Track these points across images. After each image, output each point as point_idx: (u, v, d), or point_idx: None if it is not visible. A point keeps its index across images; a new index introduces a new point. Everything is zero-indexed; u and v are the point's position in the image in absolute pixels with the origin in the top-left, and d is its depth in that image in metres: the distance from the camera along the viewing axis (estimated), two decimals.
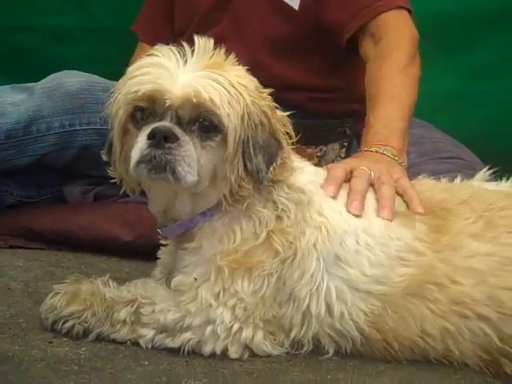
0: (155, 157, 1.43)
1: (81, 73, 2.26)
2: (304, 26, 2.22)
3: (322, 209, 1.52)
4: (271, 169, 1.49)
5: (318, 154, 2.27)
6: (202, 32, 2.21)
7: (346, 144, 2.31)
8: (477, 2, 2.78)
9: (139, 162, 1.44)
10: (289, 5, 2.21)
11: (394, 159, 1.73)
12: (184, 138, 1.44)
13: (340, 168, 1.62)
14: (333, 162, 2.24)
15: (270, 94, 1.54)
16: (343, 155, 2.31)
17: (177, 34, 2.34)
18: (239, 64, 1.52)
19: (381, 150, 1.74)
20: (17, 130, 2.16)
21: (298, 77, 2.25)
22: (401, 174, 1.67)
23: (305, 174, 1.57)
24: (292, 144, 1.54)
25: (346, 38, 2.14)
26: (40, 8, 2.78)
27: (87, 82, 2.22)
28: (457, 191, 1.62)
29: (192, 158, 1.44)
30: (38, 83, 2.23)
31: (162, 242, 1.65)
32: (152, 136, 1.43)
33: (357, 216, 1.52)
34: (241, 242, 1.49)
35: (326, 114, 2.30)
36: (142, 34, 2.49)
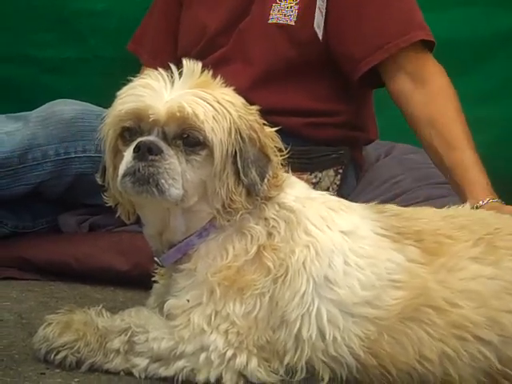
0: (139, 169, 1.44)
1: (75, 101, 2.28)
2: (313, 54, 2.24)
3: (309, 228, 1.52)
4: (265, 181, 1.50)
5: (313, 181, 2.28)
6: (206, 54, 2.26)
7: (340, 171, 2.31)
8: (473, 27, 2.81)
9: (124, 175, 1.46)
10: (300, 32, 2.22)
11: None
12: (168, 151, 1.45)
13: None
14: (328, 189, 2.24)
15: (266, 119, 1.56)
16: (338, 182, 2.31)
17: (180, 56, 2.36)
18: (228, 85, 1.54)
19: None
20: (12, 158, 2.16)
21: (299, 102, 2.27)
22: None
23: (293, 188, 1.58)
24: (282, 157, 1.55)
25: (363, 71, 2.17)
26: (34, 40, 2.81)
27: (82, 110, 2.24)
28: (457, 217, 1.61)
29: (176, 171, 1.45)
30: (33, 112, 2.25)
31: (154, 278, 1.64)
32: (137, 149, 1.45)
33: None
34: (233, 258, 1.49)
35: (322, 141, 2.31)
36: (146, 58, 2.50)
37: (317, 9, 2.21)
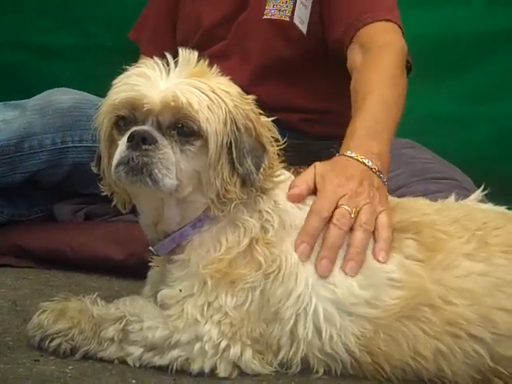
0: (133, 159, 1.44)
1: (73, 90, 2.28)
2: (308, 50, 2.22)
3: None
4: (261, 170, 1.50)
5: None
6: (203, 47, 2.25)
7: None
8: (472, 24, 2.81)
9: (118, 165, 1.46)
10: (295, 29, 2.20)
11: (376, 174, 1.61)
12: (162, 141, 1.45)
13: (320, 213, 1.49)
14: None
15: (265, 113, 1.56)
16: None
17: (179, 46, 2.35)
18: (223, 75, 1.54)
19: (365, 160, 1.61)
20: (8, 146, 2.16)
21: (295, 98, 2.25)
22: (383, 205, 1.56)
23: (288, 187, 1.57)
24: (278, 147, 1.55)
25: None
26: (34, 26, 2.80)
27: (79, 99, 2.23)
28: (450, 211, 1.61)
29: (170, 161, 1.44)
30: (30, 100, 2.24)
31: (151, 263, 1.65)
32: (131, 139, 1.44)
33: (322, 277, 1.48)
34: (225, 250, 1.49)
35: (319, 136, 2.30)
36: (145, 46, 2.49)
37: (298, 2, 2.19)
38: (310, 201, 1.56)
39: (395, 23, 2.07)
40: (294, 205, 1.54)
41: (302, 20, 2.19)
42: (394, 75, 1.89)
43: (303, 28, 2.19)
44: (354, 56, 2.03)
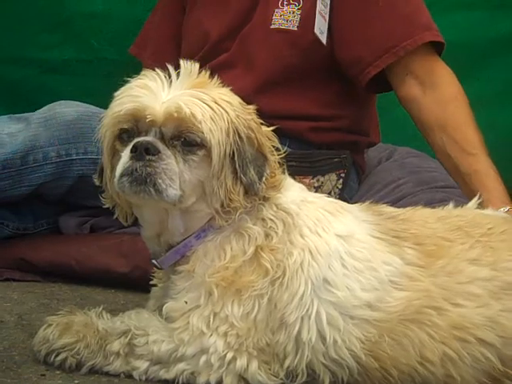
0: (136, 169, 1.45)
1: (77, 103, 2.29)
2: (316, 59, 2.23)
3: (303, 231, 1.52)
4: (263, 179, 1.51)
5: (316, 185, 2.27)
6: (210, 59, 2.26)
7: (343, 175, 2.31)
8: (476, 31, 2.81)
9: (122, 176, 1.46)
10: (302, 38, 2.21)
11: None
12: (165, 151, 1.46)
13: None
14: (330, 192, 2.24)
15: (269, 123, 1.56)
16: (340, 186, 2.31)
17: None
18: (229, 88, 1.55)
19: None
20: (14, 160, 2.17)
21: (301, 107, 2.26)
22: None
23: (289, 190, 1.58)
24: (279, 156, 1.55)
25: (372, 75, 2.15)
26: (36, 41, 2.81)
27: (83, 111, 2.24)
28: (451, 219, 1.61)
29: (173, 171, 1.45)
30: (35, 113, 2.25)
31: (153, 281, 1.65)
32: (134, 149, 1.45)
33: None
34: (230, 258, 1.49)
35: (325, 145, 2.30)
36: (146, 61, 2.48)
37: (317, 13, 2.20)
38: (310, 197, 1.58)
39: (436, 41, 2.16)
40: (294, 205, 1.55)
41: (321, 30, 2.21)
42: (471, 114, 2.09)
43: (323, 38, 2.21)
44: (409, 87, 2.16)
